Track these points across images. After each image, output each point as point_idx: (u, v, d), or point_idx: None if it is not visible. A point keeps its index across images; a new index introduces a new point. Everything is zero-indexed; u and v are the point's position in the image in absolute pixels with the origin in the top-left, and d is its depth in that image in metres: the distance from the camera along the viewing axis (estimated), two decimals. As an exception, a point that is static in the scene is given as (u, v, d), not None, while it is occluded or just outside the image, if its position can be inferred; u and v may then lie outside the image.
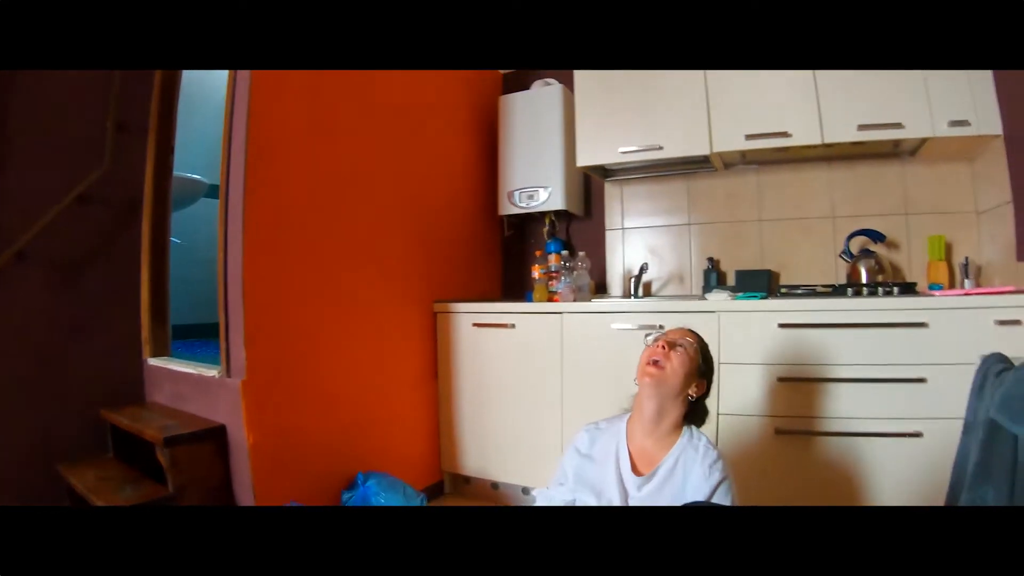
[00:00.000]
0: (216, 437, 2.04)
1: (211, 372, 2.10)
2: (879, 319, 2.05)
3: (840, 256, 2.64)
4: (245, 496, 2.02)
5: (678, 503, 1.48)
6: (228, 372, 2.05)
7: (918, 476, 2.02)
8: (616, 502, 1.53)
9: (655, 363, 1.53)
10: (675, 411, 1.55)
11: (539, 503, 1.72)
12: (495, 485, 2.83)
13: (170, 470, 1.92)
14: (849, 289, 2.21)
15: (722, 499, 1.46)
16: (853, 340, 2.08)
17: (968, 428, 1.44)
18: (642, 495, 1.52)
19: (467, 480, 2.89)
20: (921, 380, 2.00)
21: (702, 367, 1.59)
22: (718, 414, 2.23)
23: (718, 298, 2.30)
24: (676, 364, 1.53)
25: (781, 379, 2.16)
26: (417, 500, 2.37)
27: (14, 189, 2.21)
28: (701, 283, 2.92)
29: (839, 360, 2.09)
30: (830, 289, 2.27)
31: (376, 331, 2.55)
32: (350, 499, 2.29)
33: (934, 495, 1.96)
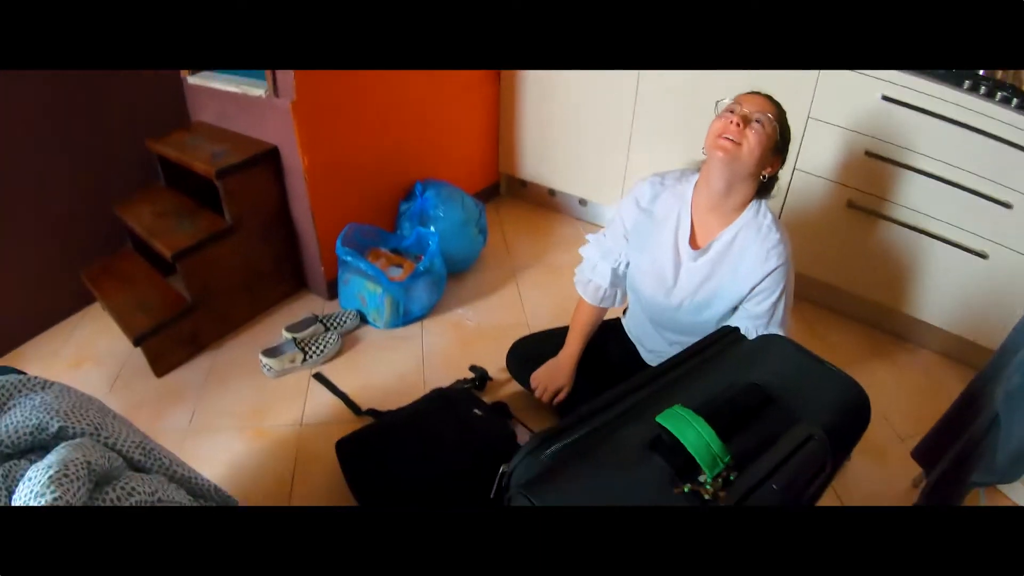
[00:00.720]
0: (269, 160, 2.00)
1: (257, 91, 1.94)
2: (989, 127, 1.72)
3: (963, 35, 2.10)
4: (303, 219, 2.08)
5: (730, 283, 1.45)
6: (275, 92, 1.90)
7: (969, 295, 1.94)
8: (668, 270, 1.52)
9: (729, 139, 1.35)
10: (744, 190, 1.41)
11: (591, 247, 1.71)
12: (552, 192, 2.82)
13: (226, 201, 1.92)
14: (966, 81, 1.81)
15: (774, 285, 1.41)
16: (953, 138, 1.78)
17: None
18: (696, 266, 1.49)
19: (524, 184, 2.88)
20: (1007, 205, 1.77)
21: (779, 144, 1.38)
22: (794, 169, 2.04)
23: None
24: (752, 143, 1.32)
25: (868, 153, 1.92)
26: (476, 210, 2.41)
27: None
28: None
29: (931, 153, 1.84)
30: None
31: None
32: (407, 210, 2.34)
33: (976, 319, 1.95)
